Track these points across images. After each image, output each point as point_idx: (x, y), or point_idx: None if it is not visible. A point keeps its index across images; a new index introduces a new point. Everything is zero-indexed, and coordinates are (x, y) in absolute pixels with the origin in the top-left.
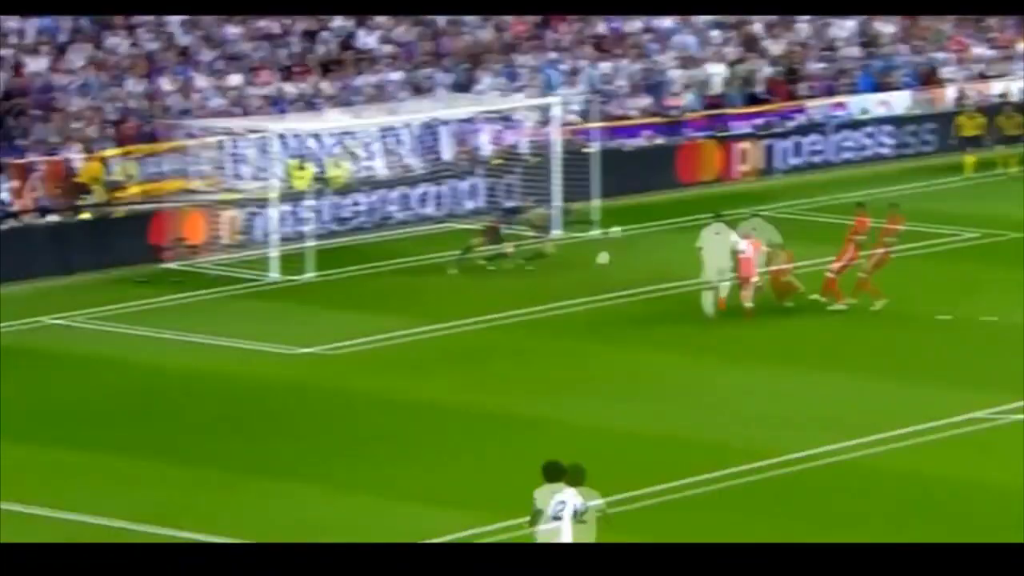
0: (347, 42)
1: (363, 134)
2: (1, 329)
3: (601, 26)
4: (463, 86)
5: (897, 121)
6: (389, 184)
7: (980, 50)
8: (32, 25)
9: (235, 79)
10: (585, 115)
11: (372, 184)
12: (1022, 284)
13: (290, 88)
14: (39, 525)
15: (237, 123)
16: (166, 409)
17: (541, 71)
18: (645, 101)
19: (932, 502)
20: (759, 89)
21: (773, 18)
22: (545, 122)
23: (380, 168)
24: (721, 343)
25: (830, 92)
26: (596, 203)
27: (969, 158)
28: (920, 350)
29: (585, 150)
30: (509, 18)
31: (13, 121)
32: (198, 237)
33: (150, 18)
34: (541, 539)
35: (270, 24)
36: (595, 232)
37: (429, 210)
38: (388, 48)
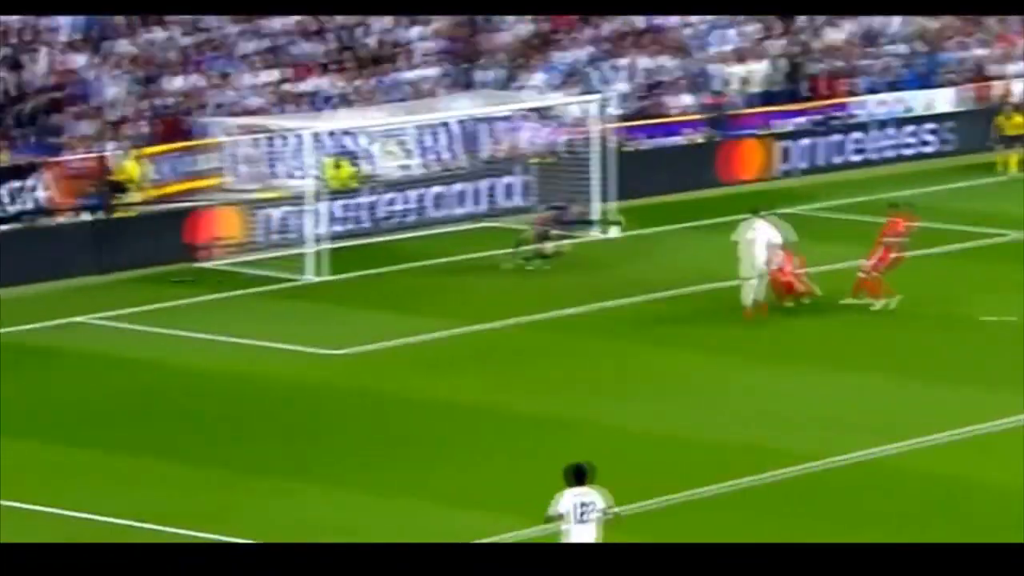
0: (386, 38)
1: (401, 132)
2: (34, 328)
3: (642, 21)
4: (503, 83)
5: (940, 119)
6: (427, 182)
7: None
8: (67, 21)
9: (273, 75)
10: (624, 113)
11: (410, 182)
12: None
13: (327, 84)
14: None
15: (273, 120)
16: (195, 409)
17: (581, 68)
18: (687, 98)
19: (960, 503)
20: (803, 86)
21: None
22: (585, 119)
23: (418, 166)
24: (748, 343)
25: (874, 89)
26: (613, 204)
27: (1013, 157)
28: (961, 351)
29: (625, 149)
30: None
31: (48, 118)
32: (234, 236)
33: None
34: (570, 540)
35: (308, 20)
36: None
37: (468, 208)
38: (428, 44)
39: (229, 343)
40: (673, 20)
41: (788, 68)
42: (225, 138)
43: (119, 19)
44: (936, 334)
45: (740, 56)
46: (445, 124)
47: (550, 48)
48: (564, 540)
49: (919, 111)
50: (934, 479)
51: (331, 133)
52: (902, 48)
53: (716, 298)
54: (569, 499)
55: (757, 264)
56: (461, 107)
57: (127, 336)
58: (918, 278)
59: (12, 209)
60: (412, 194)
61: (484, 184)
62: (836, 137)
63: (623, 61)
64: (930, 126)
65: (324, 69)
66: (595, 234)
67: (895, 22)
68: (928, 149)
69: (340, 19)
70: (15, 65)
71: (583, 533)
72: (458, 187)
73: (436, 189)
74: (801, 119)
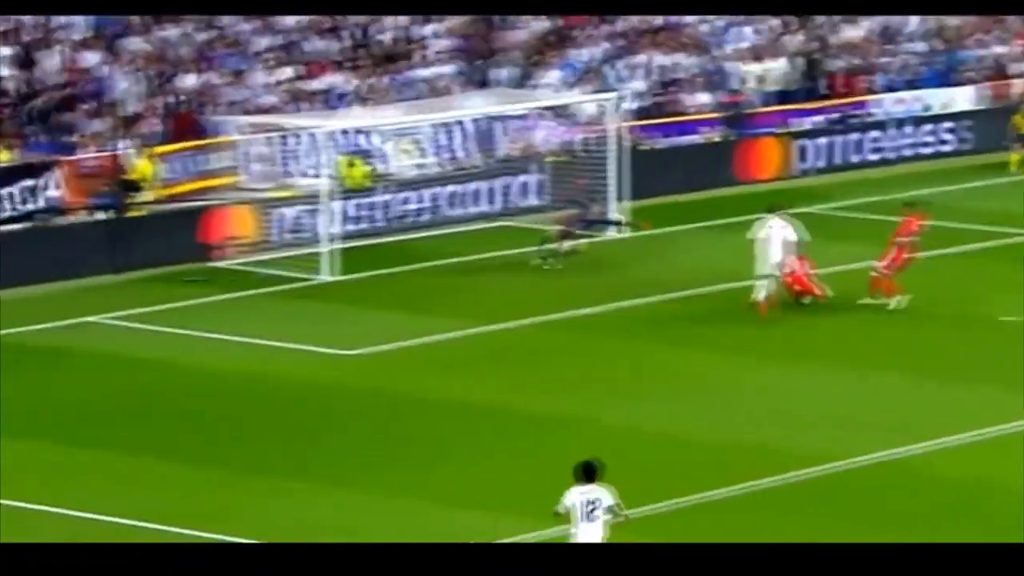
0: (401, 35)
1: (415, 130)
2: (46, 328)
3: (658, 18)
4: (518, 81)
5: (958, 117)
6: (442, 181)
7: None
8: (80, 18)
9: (286, 72)
10: (640, 111)
11: (424, 181)
12: None
13: (341, 82)
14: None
15: (287, 119)
16: (200, 409)
17: (597, 65)
18: (704, 96)
19: (979, 504)
20: (821, 84)
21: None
22: (601, 118)
23: (432, 165)
24: (764, 343)
25: (892, 87)
26: (627, 203)
27: (1013, 156)
28: (978, 351)
29: (640, 147)
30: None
31: (61, 116)
32: (248, 235)
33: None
34: (579, 540)
35: (322, 18)
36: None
37: (482, 207)
38: (443, 42)
39: (242, 343)
40: (690, 17)
41: (805, 66)
42: (238, 136)
43: (132, 17)
44: (953, 334)
45: (757, 54)
46: (460, 122)
47: (566, 45)
48: (572, 540)
49: (937, 109)
50: (952, 480)
51: (345, 132)
52: (921, 46)
53: (731, 298)
54: (575, 496)
55: (772, 262)
56: (476, 105)
57: (139, 336)
58: (935, 277)
59: (24, 208)
60: (426, 193)
61: (499, 183)
62: (854, 136)
63: (639, 59)
64: (948, 125)
65: (338, 67)
66: (612, 233)
67: (914, 19)
68: (946, 148)
69: (354, 16)
70: (28, 63)
71: (590, 532)
72: (473, 186)
73: (451, 188)
74: (819, 117)
